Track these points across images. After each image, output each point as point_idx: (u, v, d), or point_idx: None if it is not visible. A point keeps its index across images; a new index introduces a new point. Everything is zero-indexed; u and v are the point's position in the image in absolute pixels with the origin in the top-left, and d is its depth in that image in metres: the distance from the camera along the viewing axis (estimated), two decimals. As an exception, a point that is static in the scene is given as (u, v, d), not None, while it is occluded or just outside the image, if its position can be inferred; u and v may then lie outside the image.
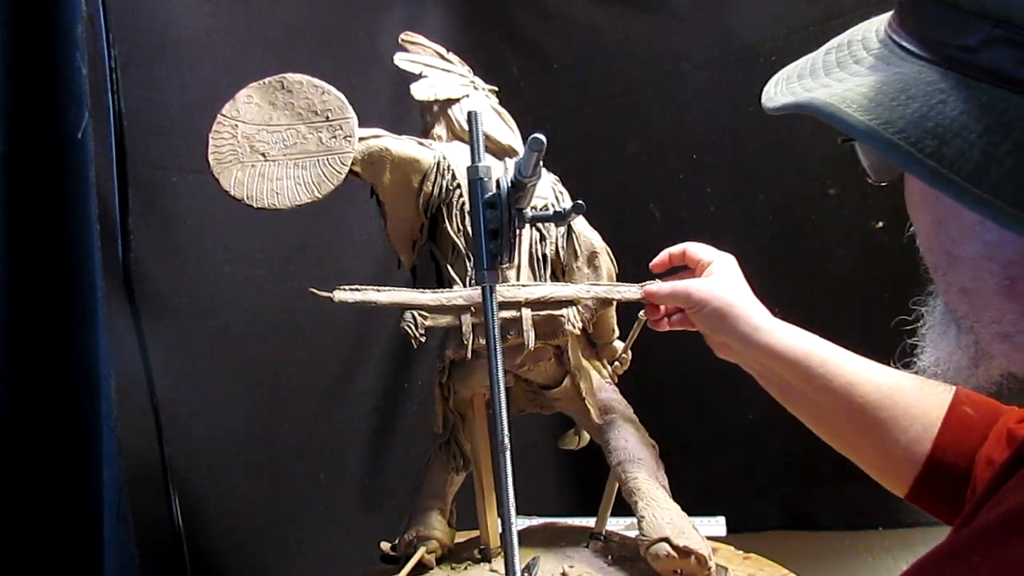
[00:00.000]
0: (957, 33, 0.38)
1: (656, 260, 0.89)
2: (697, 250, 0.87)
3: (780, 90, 0.48)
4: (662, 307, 0.89)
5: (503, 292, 0.83)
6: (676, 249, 0.88)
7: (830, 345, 0.77)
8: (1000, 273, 0.41)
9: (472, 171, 0.72)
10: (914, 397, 0.72)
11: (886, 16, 0.46)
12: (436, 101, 0.94)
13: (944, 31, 0.39)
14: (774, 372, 0.79)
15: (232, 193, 0.79)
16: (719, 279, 0.82)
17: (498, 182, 0.72)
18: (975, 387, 0.48)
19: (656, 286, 0.86)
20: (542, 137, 0.65)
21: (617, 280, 0.95)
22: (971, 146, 0.36)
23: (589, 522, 0.95)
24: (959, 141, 0.37)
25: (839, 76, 0.45)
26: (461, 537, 0.96)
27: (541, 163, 0.69)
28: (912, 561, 0.45)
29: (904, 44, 0.42)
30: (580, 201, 0.74)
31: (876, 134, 0.39)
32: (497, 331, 0.72)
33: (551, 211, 0.77)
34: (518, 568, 0.69)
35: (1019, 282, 0.41)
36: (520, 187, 0.70)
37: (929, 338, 0.50)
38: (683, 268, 0.89)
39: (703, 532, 0.83)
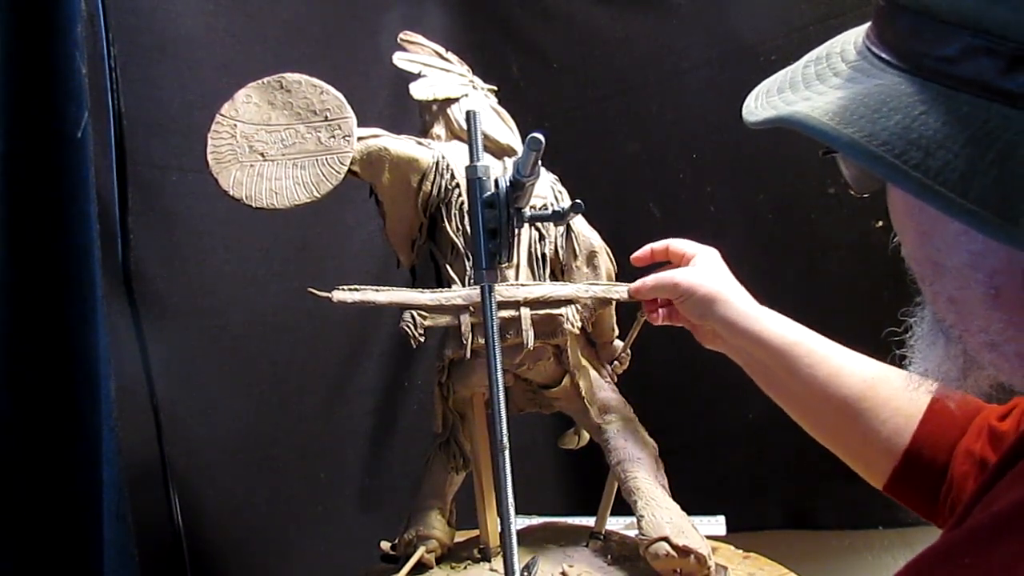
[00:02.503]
0: (936, 44, 0.38)
1: (637, 254, 0.89)
2: (679, 245, 0.87)
3: (761, 104, 0.48)
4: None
5: (502, 292, 0.83)
6: (659, 245, 0.88)
7: (816, 335, 0.78)
8: (985, 282, 0.41)
9: (471, 171, 0.72)
10: (897, 388, 0.73)
11: (863, 27, 0.46)
12: (435, 100, 0.94)
13: (923, 42, 0.39)
14: (759, 360, 0.80)
15: (231, 193, 0.79)
16: (703, 268, 0.83)
17: (497, 182, 0.72)
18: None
19: (640, 282, 0.86)
20: (540, 136, 0.65)
21: (616, 280, 0.95)
22: (955, 157, 0.36)
23: (589, 522, 0.95)
24: (943, 152, 0.37)
25: (819, 89, 0.45)
26: (461, 536, 0.96)
27: (540, 162, 0.69)
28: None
29: (883, 55, 0.42)
30: (579, 200, 0.74)
31: (860, 147, 0.39)
32: (496, 331, 0.72)
33: (550, 210, 0.77)
34: (517, 567, 0.69)
35: (1004, 291, 0.41)
36: (519, 186, 0.70)
37: (918, 348, 0.50)
38: (666, 263, 0.89)
39: (703, 531, 0.84)
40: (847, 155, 0.41)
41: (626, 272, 0.95)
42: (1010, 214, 0.35)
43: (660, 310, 0.89)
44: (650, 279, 0.85)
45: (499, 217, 0.71)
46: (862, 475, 0.77)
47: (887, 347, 0.62)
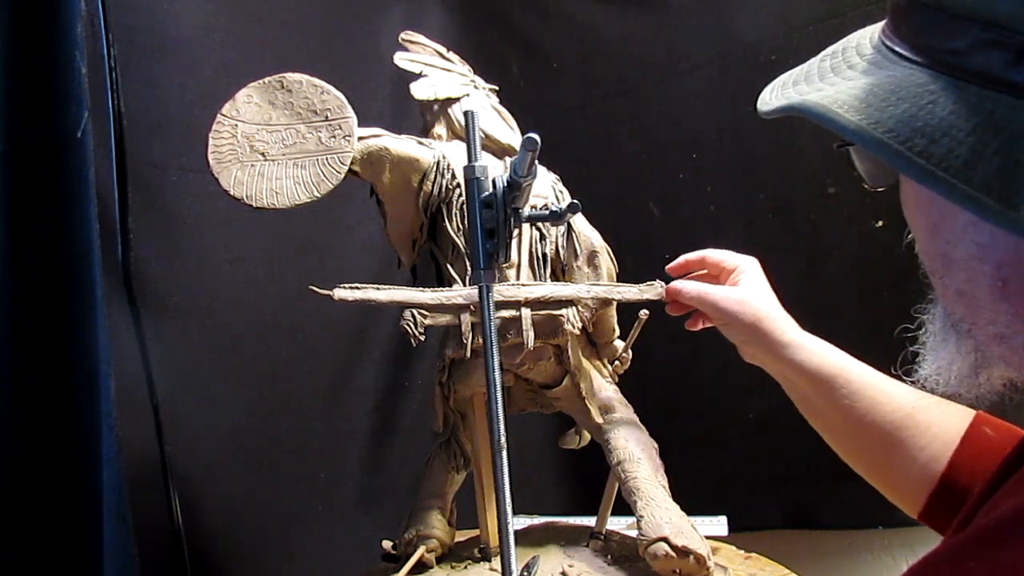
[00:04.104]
0: (947, 37, 0.39)
1: (673, 264, 0.87)
2: (718, 256, 0.85)
3: (775, 95, 0.49)
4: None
5: (503, 291, 0.83)
6: (694, 256, 0.86)
7: (856, 364, 0.77)
8: (993, 274, 0.42)
9: (468, 171, 0.72)
10: (935, 416, 0.72)
11: (880, 24, 0.47)
12: (436, 100, 0.94)
13: (935, 35, 0.40)
14: (798, 388, 0.79)
15: (232, 192, 0.79)
16: (748, 290, 0.80)
17: (494, 181, 0.72)
18: (976, 396, 0.49)
19: (681, 285, 0.83)
20: (536, 136, 0.65)
21: (617, 279, 0.95)
22: (959, 144, 0.37)
23: (589, 521, 0.95)
24: (948, 140, 0.38)
25: (833, 80, 0.46)
26: (461, 536, 0.96)
27: (537, 162, 0.69)
28: (912, 561, 0.45)
29: (897, 49, 0.43)
30: (575, 200, 0.74)
31: (865, 133, 0.40)
32: (494, 331, 0.72)
33: (548, 210, 0.77)
34: (515, 565, 0.69)
35: (1011, 283, 0.41)
36: (516, 186, 0.70)
37: (930, 346, 0.50)
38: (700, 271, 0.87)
39: (705, 532, 0.84)
40: (853, 140, 0.42)
41: (627, 272, 0.95)
42: (1012, 201, 0.36)
43: (698, 320, 0.87)
44: (692, 289, 0.82)
45: (497, 217, 0.71)
46: (896, 502, 0.76)
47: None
